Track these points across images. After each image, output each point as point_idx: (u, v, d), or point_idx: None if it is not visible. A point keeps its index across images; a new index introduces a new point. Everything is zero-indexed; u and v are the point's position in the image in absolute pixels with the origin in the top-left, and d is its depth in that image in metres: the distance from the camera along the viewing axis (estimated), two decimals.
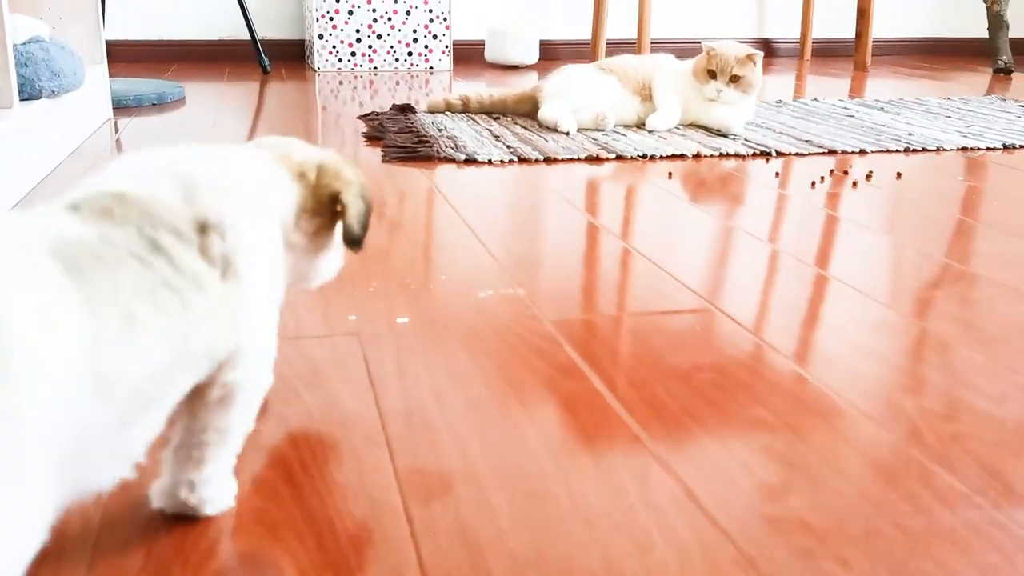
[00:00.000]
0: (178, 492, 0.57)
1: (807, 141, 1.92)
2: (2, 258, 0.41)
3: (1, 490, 0.37)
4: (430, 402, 0.74)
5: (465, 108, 2.21)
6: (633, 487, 0.62)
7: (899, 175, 1.65)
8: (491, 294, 0.99)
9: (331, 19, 3.07)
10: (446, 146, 1.79)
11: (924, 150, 1.88)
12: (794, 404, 0.75)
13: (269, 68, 3.00)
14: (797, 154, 1.82)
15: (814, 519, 0.59)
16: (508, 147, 1.80)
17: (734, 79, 1.99)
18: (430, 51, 3.18)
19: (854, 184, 1.58)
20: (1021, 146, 1.91)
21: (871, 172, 1.65)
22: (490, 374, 0.80)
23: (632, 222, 1.32)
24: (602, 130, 2.00)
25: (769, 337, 0.90)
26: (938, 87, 2.93)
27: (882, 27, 3.89)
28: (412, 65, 3.18)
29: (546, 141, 1.87)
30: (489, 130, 1.99)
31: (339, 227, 0.65)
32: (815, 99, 2.54)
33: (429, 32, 3.16)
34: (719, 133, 2.00)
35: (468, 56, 3.46)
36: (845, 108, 2.39)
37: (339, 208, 0.64)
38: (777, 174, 1.64)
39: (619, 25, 3.58)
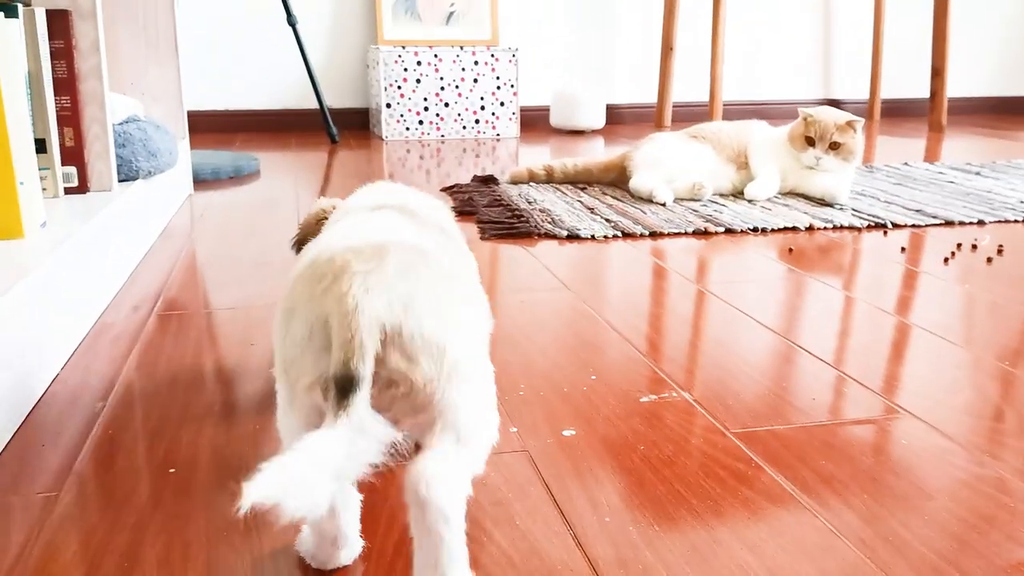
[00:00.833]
0: None
1: (918, 211, 1.82)
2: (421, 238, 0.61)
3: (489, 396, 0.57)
4: (641, 545, 0.64)
5: (549, 178, 2.15)
6: None
7: None
8: (655, 400, 0.90)
9: (399, 88, 3.04)
10: (543, 220, 1.72)
11: None
12: None
13: (338, 137, 2.97)
14: (914, 226, 1.72)
15: None
16: (607, 220, 1.72)
17: (834, 146, 1.90)
18: (497, 118, 3.13)
19: (988, 260, 1.47)
20: None
21: (1002, 246, 1.55)
22: (695, 504, 0.70)
23: (777, 309, 1.22)
24: (699, 200, 1.92)
25: (993, 452, 0.79)
26: (1020, 148, 2.82)
27: (952, 86, 3.81)
28: (479, 132, 3.14)
29: (644, 213, 1.79)
30: (580, 201, 1.92)
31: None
32: (906, 163, 2.45)
33: (496, 99, 3.12)
34: (822, 202, 1.91)
35: (534, 122, 3.42)
36: (941, 173, 2.29)
37: None
38: (903, 249, 1.54)
39: (685, 88, 3.53)
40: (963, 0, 3.71)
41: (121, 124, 1.47)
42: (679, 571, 0.61)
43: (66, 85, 1.30)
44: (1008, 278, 1.37)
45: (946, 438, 0.82)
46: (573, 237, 1.61)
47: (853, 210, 1.84)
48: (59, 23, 1.30)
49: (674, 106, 3.51)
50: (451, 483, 0.51)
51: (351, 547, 0.60)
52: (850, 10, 3.62)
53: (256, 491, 0.43)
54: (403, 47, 3.04)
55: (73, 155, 1.32)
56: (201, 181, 2.20)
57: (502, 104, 3.13)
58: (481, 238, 1.62)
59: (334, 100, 3.25)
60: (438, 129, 3.10)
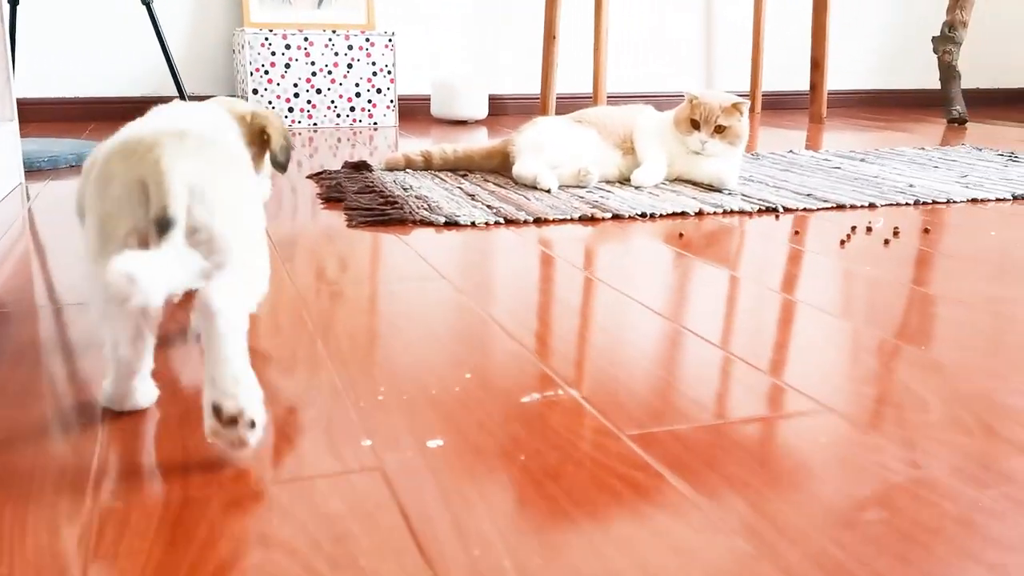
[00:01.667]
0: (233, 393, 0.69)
1: (809, 195, 1.76)
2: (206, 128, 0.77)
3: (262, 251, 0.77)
4: None
5: (427, 165, 2.01)
6: None
7: (927, 230, 1.49)
8: (538, 399, 0.77)
9: (266, 72, 2.84)
10: (419, 207, 1.57)
11: (935, 203, 1.74)
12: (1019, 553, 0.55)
13: None
14: (805, 209, 1.66)
15: None
16: (489, 207, 1.59)
17: (719, 130, 1.83)
18: (373, 106, 2.97)
19: (886, 242, 1.41)
20: None
21: (897, 228, 1.49)
22: (585, 526, 0.57)
23: (671, 296, 1.12)
24: (585, 186, 1.81)
25: (926, 450, 0.69)
26: (899, 138, 2.84)
27: (831, 79, 3.85)
28: (355, 121, 2.96)
29: (528, 200, 1.67)
30: (460, 188, 1.78)
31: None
32: (791, 151, 2.41)
33: (372, 86, 2.96)
34: (711, 187, 1.83)
35: (413, 111, 3.26)
36: (826, 160, 2.26)
37: (265, 137, 0.96)
38: (797, 232, 1.47)
39: (569, 80, 3.44)
40: None
41: None
42: None
43: None
44: (907, 260, 1.31)
45: (871, 432, 0.72)
46: (451, 224, 1.48)
47: (743, 195, 1.76)
48: None
49: (558, 97, 3.42)
50: (234, 298, 0.66)
51: (148, 386, 0.74)
52: (732, 2, 3.61)
53: (123, 264, 0.57)
54: (271, 30, 2.84)
55: None
56: (37, 170, 1.97)
57: (379, 91, 2.97)
58: (348, 225, 1.46)
59: (198, 87, 3.02)
60: (310, 117, 2.91)
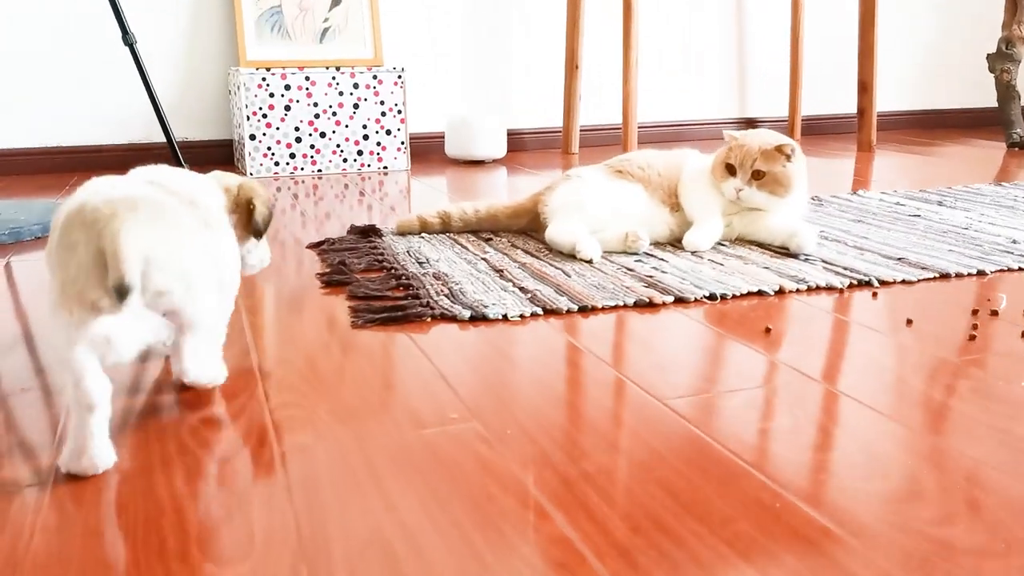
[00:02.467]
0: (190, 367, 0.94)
1: (900, 259, 1.48)
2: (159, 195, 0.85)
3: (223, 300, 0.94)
4: None
5: (445, 227, 1.74)
6: None
7: None
8: None
9: (264, 116, 2.58)
10: (438, 293, 1.30)
11: None
12: None
13: None
14: (904, 282, 1.37)
15: None
16: (522, 290, 1.32)
17: (757, 175, 1.54)
18: (383, 149, 2.71)
19: (1023, 335, 1.12)
20: None
21: None
22: None
23: (788, 445, 0.84)
24: (634, 254, 1.54)
25: None
26: (962, 169, 2.56)
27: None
28: (363, 166, 2.70)
29: (567, 276, 1.39)
30: (485, 259, 1.51)
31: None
32: (858, 194, 2.13)
33: (381, 127, 2.69)
34: (785, 251, 1.55)
35: (427, 151, 3.00)
36: (900, 204, 1.97)
37: (251, 207, 1.04)
38: (909, 322, 1.18)
39: (594, 110, 3.18)
40: (884, 13, 3.48)
41: None
42: None
43: None
44: None
45: None
46: (478, 319, 1.20)
47: (823, 261, 1.48)
48: None
49: (582, 130, 3.15)
50: (202, 365, 0.91)
51: (105, 450, 0.78)
52: (766, 22, 3.34)
53: (99, 327, 0.75)
54: (268, 69, 2.58)
55: None
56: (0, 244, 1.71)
57: (388, 133, 2.70)
58: (353, 326, 1.19)
59: (193, 132, 2.77)
60: (313, 163, 2.65)
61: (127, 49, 2.53)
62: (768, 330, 1.15)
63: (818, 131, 3.49)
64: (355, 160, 2.69)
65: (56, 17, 2.59)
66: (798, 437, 0.84)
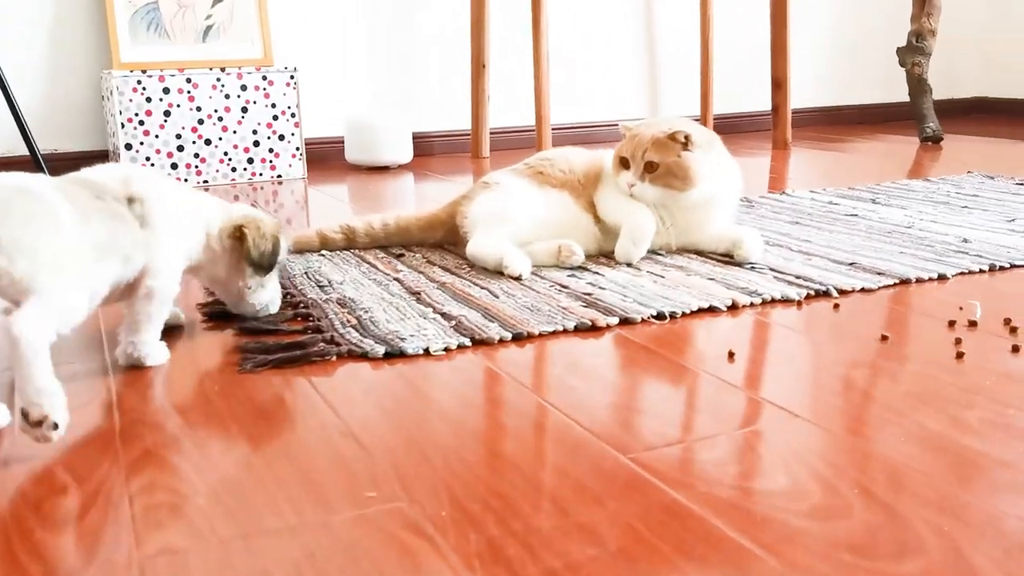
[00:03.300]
0: (129, 350, 1.00)
1: (852, 264, 1.36)
2: (35, 183, 0.86)
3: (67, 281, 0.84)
4: None
5: (350, 244, 1.54)
6: None
7: None
8: None
9: (141, 123, 2.32)
10: (344, 324, 1.11)
11: (1013, 267, 1.35)
12: None
13: None
14: (864, 290, 1.25)
15: None
16: (444, 316, 1.13)
17: (649, 167, 1.39)
18: (276, 155, 2.48)
19: (1015, 349, 1.00)
20: None
21: (1010, 320, 1.09)
22: None
23: (793, 512, 0.68)
24: (567, 268, 1.37)
25: None
26: (878, 164, 2.49)
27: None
28: (255, 175, 2.47)
29: (494, 296, 1.22)
30: (398, 279, 1.32)
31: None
32: (786, 192, 2.02)
33: (273, 132, 2.47)
34: (727, 258, 1.41)
35: (325, 157, 2.78)
36: (834, 203, 1.87)
37: (239, 235, 1.08)
38: (884, 338, 1.05)
39: (503, 112, 3.01)
40: (795, 7, 3.43)
41: None
42: None
43: None
44: None
45: None
46: (394, 355, 1.01)
47: (772, 270, 1.35)
48: None
49: (493, 132, 2.98)
50: (33, 325, 0.79)
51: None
52: (676, 17, 3.24)
53: None
54: (144, 71, 2.33)
55: None
56: None
57: (281, 138, 2.48)
58: (240, 369, 0.98)
59: (61, 143, 2.48)
60: (199, 173, 2.41)
61: None
62: (731, 355, 0.99)
63: (732, 129, 3.41)
64: (245, 169, 2.45)
65: None
66: (800, 501, 0.68)
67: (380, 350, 1.01)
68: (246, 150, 2.44)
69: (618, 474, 0.73)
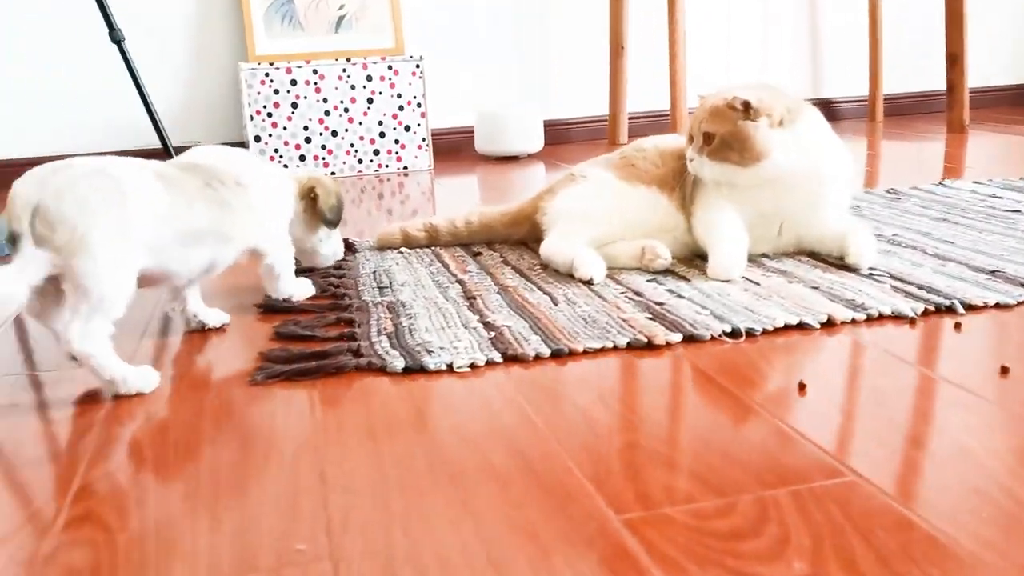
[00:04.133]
0: (274, 295, 1.15)
1: (994, 273, 1.13)
2: (132, 168, 0.92)
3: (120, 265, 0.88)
4: None
5: (432, 241, 1.45)
6: None
7: None
8: None
9: (269, 115, 2.35)
10: (380, 332, 1.02)
11: None
12: None
13: None
14: (999, 306, 1.03)
15: None
16: (487, 325, 1.02)
17: (708, 140, 1.20)
18: (402, 147, 2.44)
19: None
20: None
21: None
22: None
23: None
24: (655, 272, 1.23)
25: None
26: None
27: (970, 75, 3.13)
28: (380, 166, 2.44)
29: (553, 303, 1.10)
30: (461, 282, 1.22)
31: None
32: (942, 183, 1.76)
33: (399, 123, 2.43)
34: (841, 263, 1.21)
35: (458, 147, 2.72)
36: (996, 197, 1.60)
37: (313, 196, 1.20)
38: (1005, 370, 0.84)
39: (643, 96, 2.84)
40: None
41: None
42: None
43: None
44: None
45: None
46: (415, 369, 0.92)
47: (892, 277, 1.14)
48: None
49: (631, 118, 2.83)
50: (84, 338, 0.84)
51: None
52: None
53: None
54: (271, 63, 2.34)
55: None
56: None
57: (407, 129, 2.44)
58: (250, 381, 0.91)
59: (202, 135, 2.55)
60: (326, 165, 2.40)
61: (115, 47, 2.32)
62: (802, 387, 0.83)
63: (904, 111, 3.08)
64: (371, 161, 2.43)
65: (52, 21, 2.41)
66: None
67: (399, 364, 0.91)
68: (372, 141, 2.42)
69: (597, 541, 0.59)
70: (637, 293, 1.13)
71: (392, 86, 2.41)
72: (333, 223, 1.22)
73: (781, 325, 0.99)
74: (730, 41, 2.89)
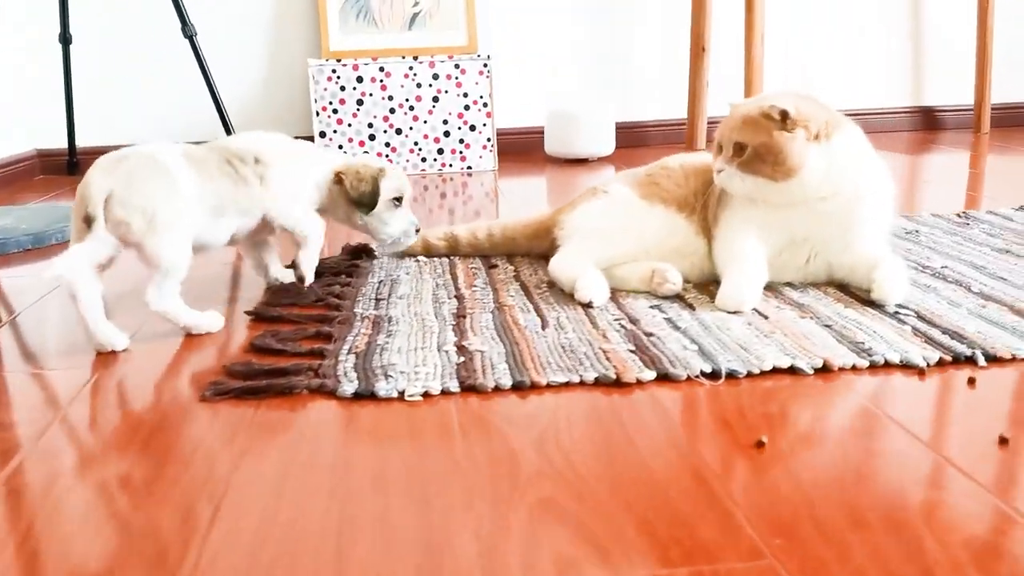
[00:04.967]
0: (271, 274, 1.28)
1: None
2: (172, 153, 1.07)
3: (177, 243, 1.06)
4: None
5: (452, 251, 1.42)
6: None
7: None
8: None
9: (335, 111, 2.35)
10: (351, 350, 0.99)
11: None
12: None
13: None
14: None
15: None
16: (460, 348, 0.98)
17: (739, 151, 1.11)
18: (467, 146, 2.41)
19: None
20: None
21: None
22: None
23: None
24: (663, 297, 1.15)
25: None
26: None
27: None
28: (444, 166, 2.42)
29: (540, 328, 1.04)
30: (459, 297, 1.18)
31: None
32: (1022, 207, 1.61)
33: (465, 122, 2.40)
34: (869, 298, 1.11)
35: (527, 148, 2.68)
36: None
37: (339, 181, 1.26)
38: (1004, 441, 0.74)
39: (725, 99, 2.72)
40: None
41: None
42: None
43: None
44: None
45: None
46: (364, 396, 0.88)
47: (919, 317, 1.04)
48: None
49: (711, 121, 2.72)
50: (161, 299, 1.03)
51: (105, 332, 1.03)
52: None
53: (55, 266, 0.97)
54: (338, 60, 2.35)
55: None
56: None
57: (472, 128, 2.40)
58: (200, 396, 0.90)
59: (274, 130, 2.58)
60: (389, 162, 2.39)
61: (187, 42, 2.38)
62: (760, 445, 0.75)
63: (1014, 122, 2.86)
64: (435, 160, 2.41)
65: (125, 15, 2.49)
66: None
67: (350, 389, 0.88)
68: (436, 140, 2.40)
69: None
70: (632, 320, 1.06)
71: (459, 85, 2.38)
72: (362, 206, 1.25)
73: (769, 368, 0.90)
74: (811, 44, 2.74)
